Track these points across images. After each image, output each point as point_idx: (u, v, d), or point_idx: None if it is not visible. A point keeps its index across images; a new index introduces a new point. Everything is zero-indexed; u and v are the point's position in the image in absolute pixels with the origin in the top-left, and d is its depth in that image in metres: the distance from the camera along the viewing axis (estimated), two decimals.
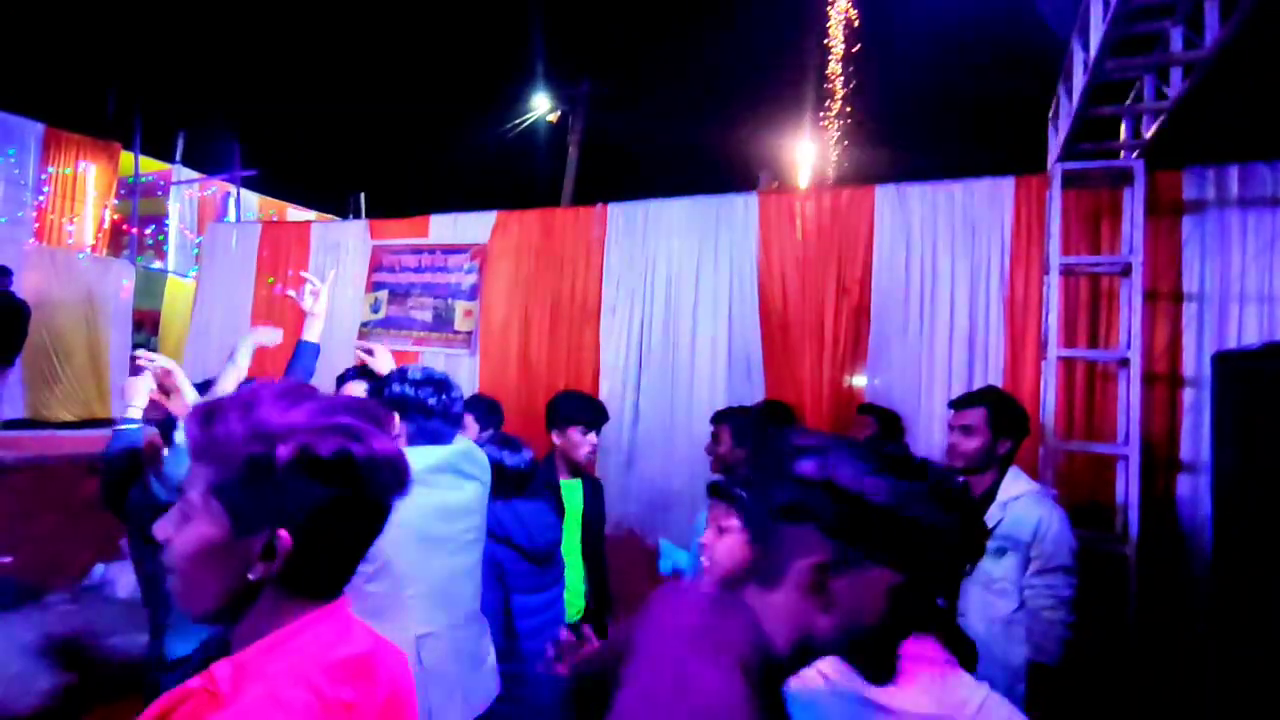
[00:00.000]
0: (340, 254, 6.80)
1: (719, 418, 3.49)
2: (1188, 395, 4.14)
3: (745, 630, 0.97)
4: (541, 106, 12.44)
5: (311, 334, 3.04)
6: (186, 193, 11.15)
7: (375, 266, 6.58)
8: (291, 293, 3.12)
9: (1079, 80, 3.74)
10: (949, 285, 4.78)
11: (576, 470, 3.49)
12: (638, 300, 5.66)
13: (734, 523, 1.90)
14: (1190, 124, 3.93)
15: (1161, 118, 3.83)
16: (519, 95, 12.41)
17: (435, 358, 6.20)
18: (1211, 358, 3.64)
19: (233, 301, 7.30)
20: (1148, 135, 3.98)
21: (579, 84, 11.87)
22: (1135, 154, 4.14)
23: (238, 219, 8.17)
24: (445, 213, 6.55)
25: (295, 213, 10.04)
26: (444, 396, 2.33)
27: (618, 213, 5.86)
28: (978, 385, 4.51)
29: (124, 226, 10.98)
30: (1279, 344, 3.39)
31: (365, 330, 6.46)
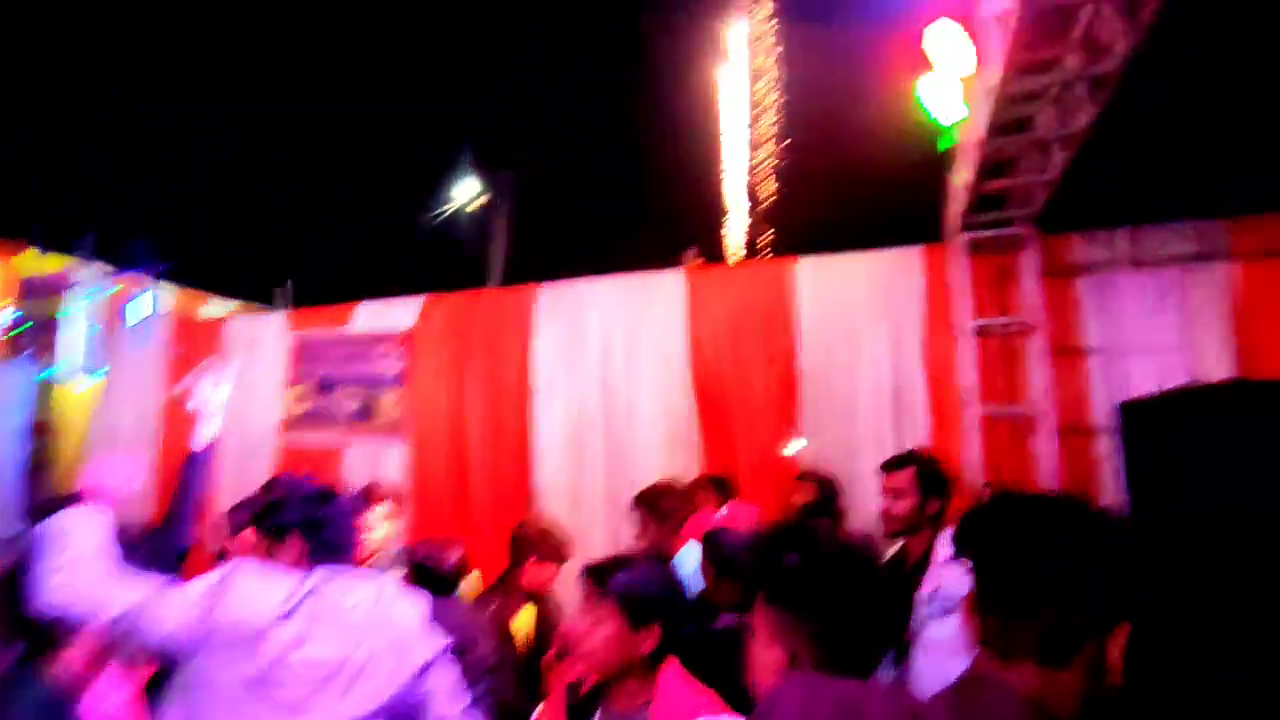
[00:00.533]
0: (259, 348, 6.55)
1: (648, 497, 3.42)
2: (1099, 446, 4.32)
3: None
4: (471, 190, 12.60)
5: (202, 439, 2.69)
6: (92, 290, 10.61)
7: (298, 359, 6.36)
8: (182, 387, 2.75)
9: (971, 157, 4.02)
10: (870, 350, 4.93)
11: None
12: (572, 380, 5.61)
13: (609, 611, 1.82)
14: (1074, 192, 4.25)
15: (1046, 188, 4.13)
16: (448, 179, 12.55)
17: (362, 451, 5.96)
18: (1116, 408, 3.83)
19: (139, 406, 6.88)
20: (1037, 205, 4.28)
21: (507, 167, 12.13)
22: (1027, 222, 4.44)
23: (149, 316, 7.82)
24: (370, 300, 6.44)
25: (215, 305, 9.70)
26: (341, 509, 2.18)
27: (548, 293, 5.88)
28: (906, 446, 4.61)
29: (21, 328, 10.34)
30: (1174, 392, 3.60)
31: (285, 428, 6.19)
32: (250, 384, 6.40)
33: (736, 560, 2.65)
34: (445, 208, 12.66)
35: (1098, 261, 4.52)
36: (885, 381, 4.85)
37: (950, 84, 3.84)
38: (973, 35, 3.49)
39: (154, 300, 9.64)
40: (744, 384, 5.19)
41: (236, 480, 5.25)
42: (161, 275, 10.38)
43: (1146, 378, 4.31)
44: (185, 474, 2.67)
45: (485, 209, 12.57)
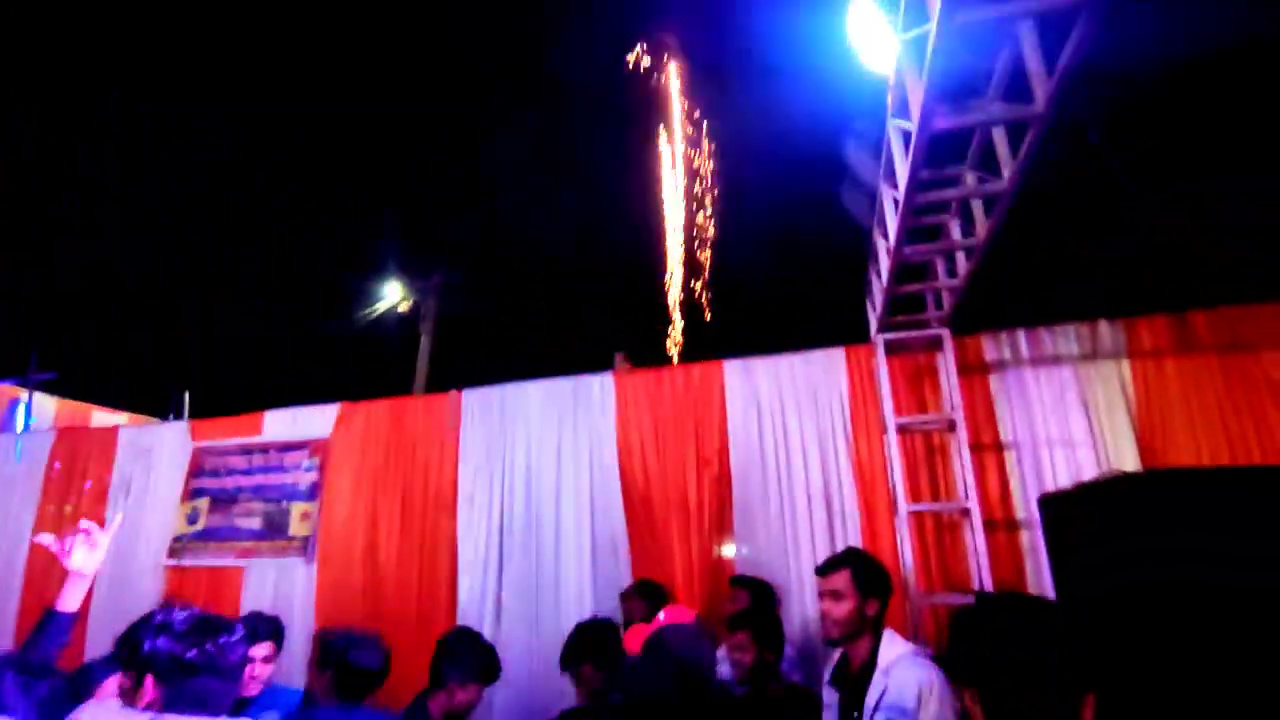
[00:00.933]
0: (154, 460, 6.04)
1: (576, 653, 3.22)
2: (1025, 538, 4.41)
3: None
4: (392, 296, 12.43)
5: (70, 601, 2.40)
6: None
7: (195, 471, 5.89)
8: (48, 540, 2.42)
9: (884, 264, 4.24)
10: (800, 450, 4.97)
11: None
12: (496, 488, 5.40)
13: None
14: (982, 295, 4.52)
15: (955, 292, 4.38)
16: (368, 285, 12.38)
17: (265, 570, 5.47)
18: (1037, 501, 3.95)
19: (10, 528, 6.16)
20: (948, 308, 4.52)
21: (431, 273, 12.08)
22: (941, 323, 4.68)
23: (26, 429, 7.14)
24: (282, 408, 6.10)
25: (102, 417, 8.99)
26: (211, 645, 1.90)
27: (472, 399, 5.73)
28: (839, 545, 4.58)
29: None
30: (1088, 484, 3.74)
31: (178, 546, 5.64)
32: (142, 498, 5.87)
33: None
34: (367, 312, 12.42)
35: (1005, 360, 4.77)
36: (815, 481, 4.86)
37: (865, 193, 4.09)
38: (886, 148, 3.76)
39: (30, 411, 8.88)
40: (675, 487, 5.10)
41: (119, 606, 4.70)
42: (44, 385, 9.63)
43: (1059, 471, 4.49)
44: (42, 628, 2.33)
45: (409, 313, 12.41)
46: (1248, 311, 4.31)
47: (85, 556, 2.41)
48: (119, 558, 5.52)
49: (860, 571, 2.89)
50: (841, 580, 2.87)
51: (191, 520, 5.71)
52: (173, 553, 5.63)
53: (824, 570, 2.95)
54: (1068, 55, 2.62)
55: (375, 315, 12.36)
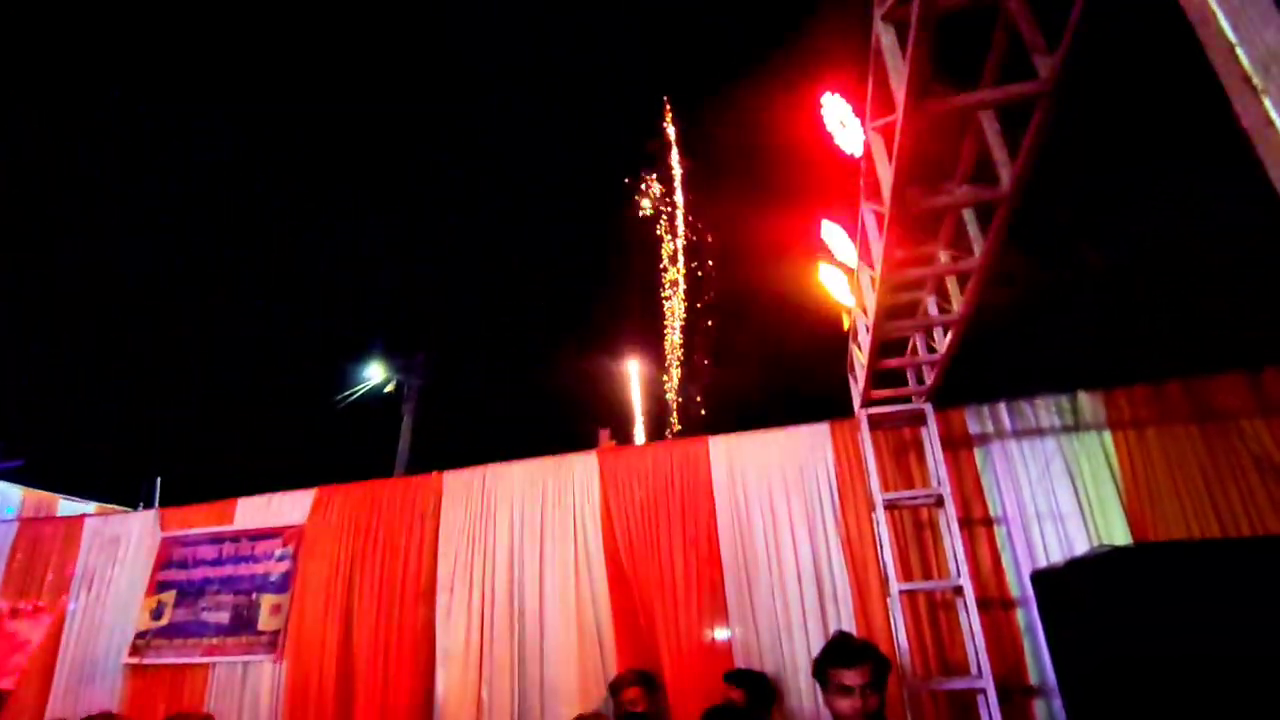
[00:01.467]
0: (120, 552, 5.81)
1: None
2: (1021, 616, 4.31)
3: None
4: (375, 377, 12.36)
5: None
6: None
7: (163, 563, 5.66)
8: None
9: (865, 341, 4.29)
10: (789, 528, 4.88)
11: None
12: (477, 574, 5.22)
13: None
14: (962, 369, 4.56)
15: (936, 367, 4.42)
16: (351, 366, 12.31)
17: (232, 668, 5.19)
18: (1030, 577, 3.89)
19: None
20: (929, 382, 4.55)
21: (414, 353, 12.05)
22: (923, 398, 4.70)
23: None
24: (256, 495, 5.93)
25: (70, 505, 8.69)
26: None
27: (453, 480, 5.62)
28: (831, 628, 4.45)
29: None
30: (1080, 559, 3.70)
31: (141, 643, 5.35)
32: (105, 592, 5.61)
33: None
34: (349, 393, 12.32)
35: (988, 433, 4.78)
36: (805, 561, 4.76)
37: (844, 272, 4.18)
38: (860, 229, 3.86)
39: None
40: (662, 571, 4.96)
41: (78, 706, 4.43)
42: (10, 474, 9.34)
43: (1050, 545, 4.44)
44: None
45: (390, 396, 12.31)
46: (1223, 381, 4.38)
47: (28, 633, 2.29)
48: (78, 655, 5.23)
49: (879, 664, 2.81)
50: (867, 673, 2.77)
51: (156, 615, 5.44)
52: (135, 650, 5.34)
53: (850, 661, 2.82)
54: (1029, 140, 2.73)
55: (357, 396, 12.25)
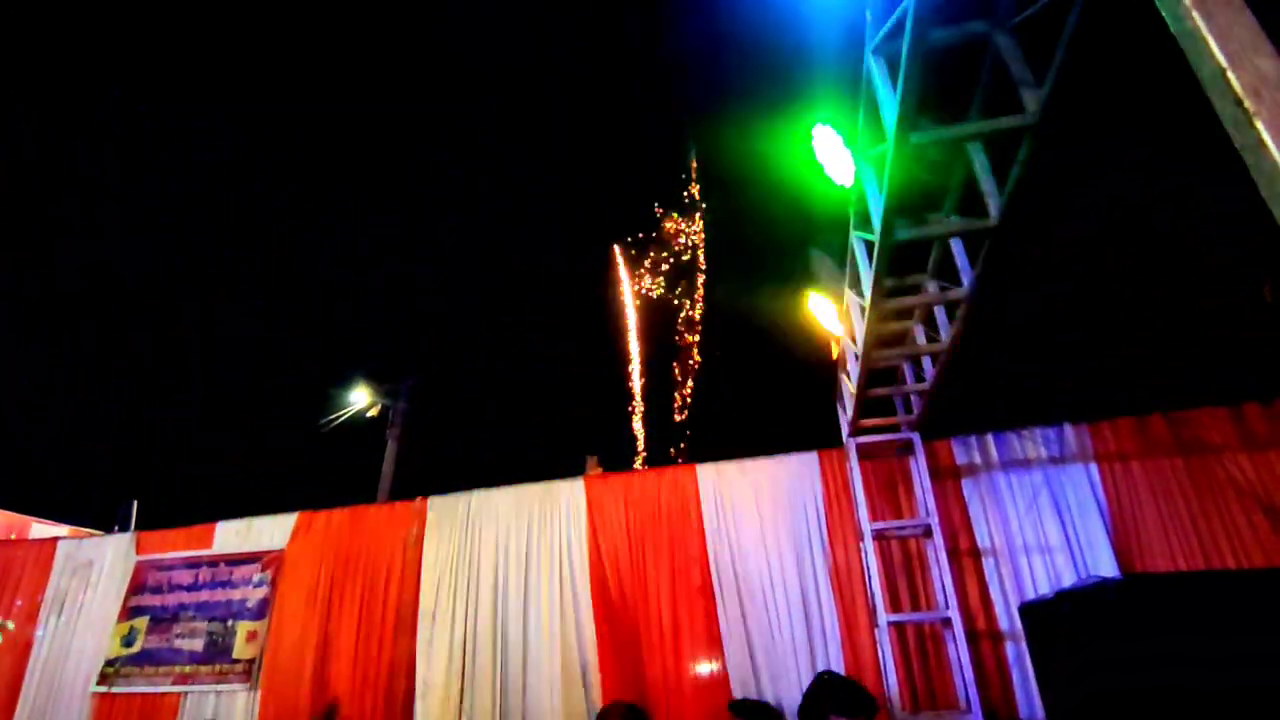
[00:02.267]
0: (93, 575, 5.66)
1: None
2: (1009, 649, 4.27)
3: None
4: (361, 400, 12.22)
5: None
6: None
7: (136, 587, 5.51)
8: None
9: (854, 369, 4.30)
10: (778, 557, 4.84)
11: None
12: (460, 603, 5.11)
13: None
14: (950, 399, 4.58)
15: (924, 396, 4.44)
16: (335, 390, 12.18)
17: (204, 697, 5.03)
18: (1019, 609, 3.88)
19: None
20: (917, 411, 4.57)
21: (401, 377, 11.93)
22: (911, 427, 4.70)
23: None
24: (235, 519, 5.81)
25: (42, 529, 8.49)
26: None
27: (439, 505, 5.53)
28: (819, 663, 4.40)
29: None
30: (1069, 591, 3.71)
31: (110, 670, 5.19)
32: (75, 618, 5.46)
33: None
34: (334, 417, 12.17)
35: (976, 464, 4.78)
36: (794, 591, 4.71)
37: (833, 300, 4.21)
38: (850, 257, 3.90)
39: None
40: (650, 602, 4.89)
41: None
42: None
43: (1037, 577, 4.42)
44: None
45: (377, 417, 12.18)
46: (1205, 414, 4.42)
47: None
48: (44, 683, 5.06)
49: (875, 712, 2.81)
50: None
51: (127, 642, 5.29)
52: (104, 678, 5.17)
53: (858, 711, 2.82)
54: (1015, 174, 2.78)
55: (342, 420, 12.11)
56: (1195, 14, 1.07)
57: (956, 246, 3.53)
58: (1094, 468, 4.49)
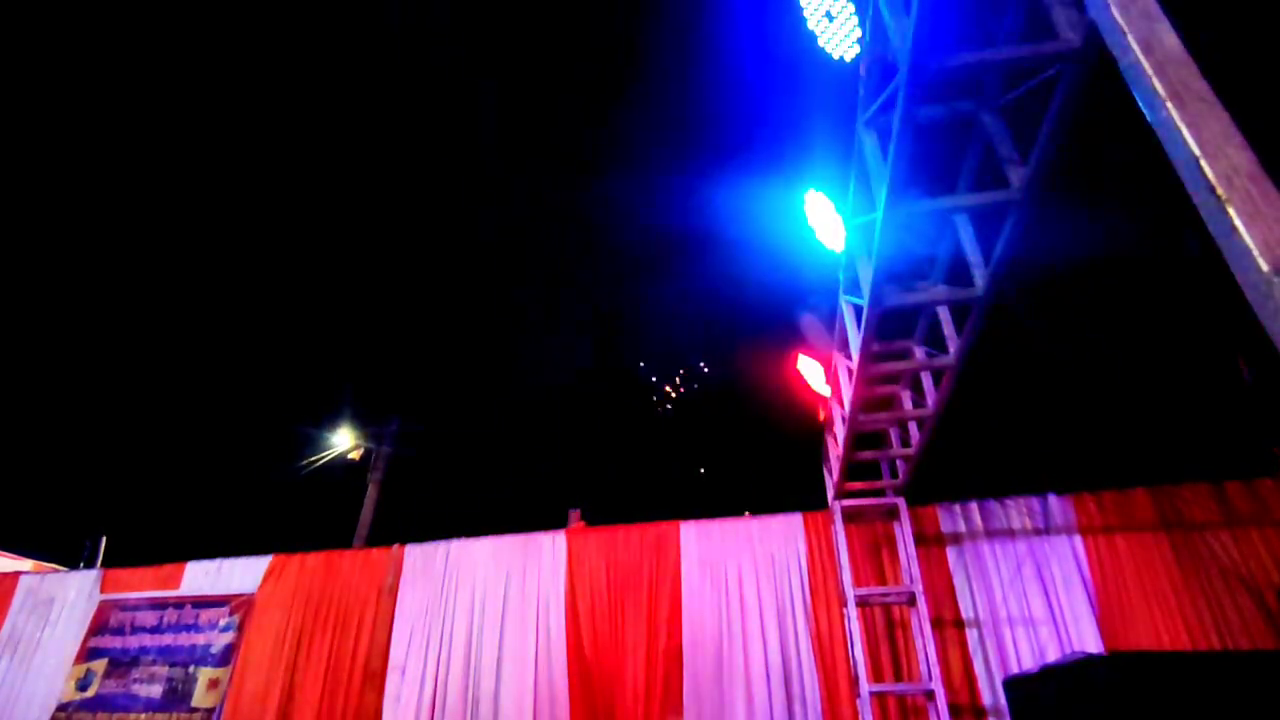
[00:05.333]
0: (54, 611, 5.46)
1: None
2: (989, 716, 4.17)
3: None
4: (343, 443, 12.07)
5: None
6: None
7: (98, 627, 5.32)
8: None
9: (841, 431, 4.32)
10: (759, 621, 4.74)
11: None
12: (432, 657, 4.96)
13: None
14: (935, 465, 4.59)
15: (910, 461, 4.44)
16: (318, 431, 12.03)
17: None
18: (1003, 684, 3.80)
19: None
20: (903, 476, 4.56)
21: (387, 421, 11.82)
22: (897, 492, 4.69)
23: None
24: (206, 559, 5.67)
25: (3, 562, 8.22)
26: None
27: (415, 554, 5.42)
28: None
29: None
30: (1053, 666, 3.65)
31: (61, 716, 4.96)
32: (30, 657, 5.25)
33: None
34: (315, 459, 12.00)
35: (961, 532, 4.76)
36: (774, 658, 4.60)
37: (820, 364, 4.24)
38: (839, 322, 3.95)
39: None
40: (624, 662, 4.76)
41: None
42: None
43: (1021, 650, 4.35)
44: None
45: (359, 461, 12.01)
46: (1188, 491, 4.44)
47: None
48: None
49: None
50: None
51: (83, 685, 5.07)
52: None
53: None
54: (1001, 246, 2.86)
55: (322, 462, 11.94)
56: (1170, 105, 1.13)
57: (944, 314, 3.60)
58: (1078, 540, 4.47)
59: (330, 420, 11.98)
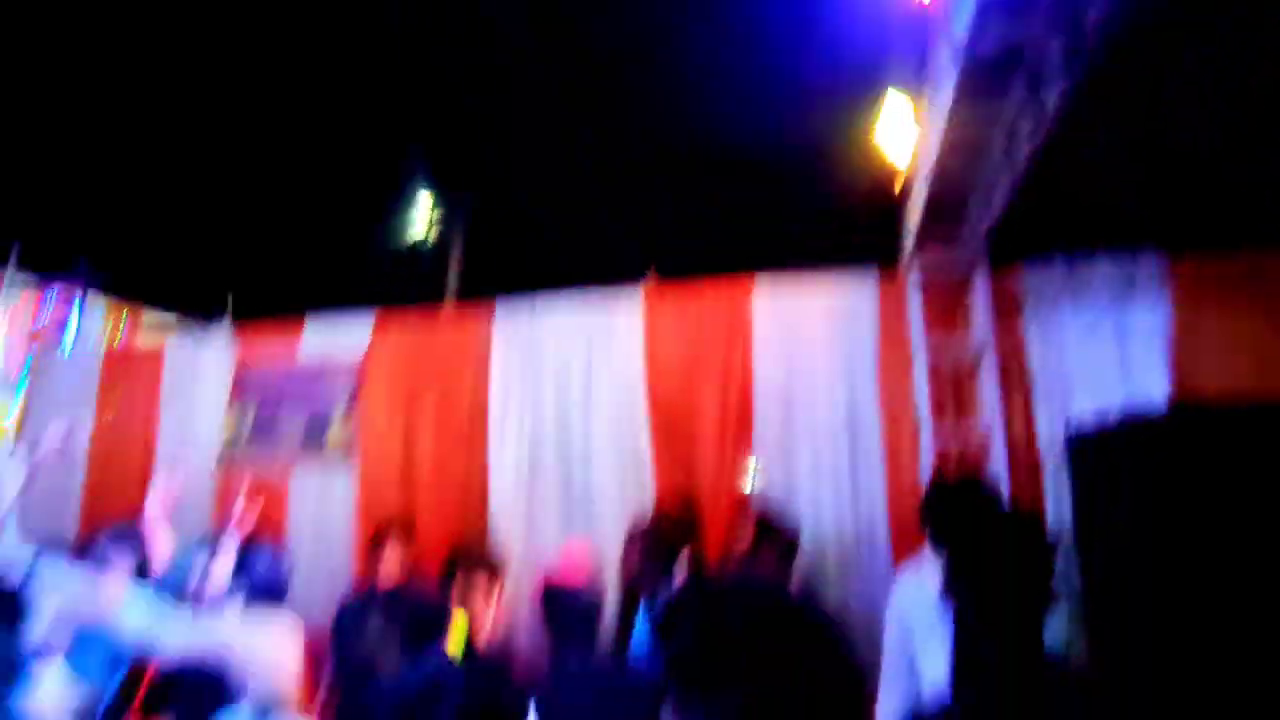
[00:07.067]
0: (198, 374, 6.26)
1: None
2: (1045, 477, 4.36)
3: None
4: (427, 204, 12.35)
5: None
6: (11, 310, 9.66)
7: (240, 380, 6.11)
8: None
9: (921, 186, 4.05)
10: (827, 377, 4.91)
11: None
12: (526, 407, 5.47)
13: None
14: (1022, 222, 4.32)
15: (993, 219, 4.19)
16: (404, 192, 12.27)
17: (308, 478, 5.75)
18: (1065, 439, 3.89)
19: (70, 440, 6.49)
20: (983, 235, 4.34)
21: (465, 185, 11.87)
22: (977, 251, 4.50)
23: (75, 341, 7.43)
24: (320, 317, 6.20)
25: (150, 316, 9.28)
26: None
27: (504, 312, 5.72)
28: (860, 478, 4.62)
29: None
30: (1117, 423, 3.61)
31: (228, 454, 5.93)
32: (188, 414, 6.13)
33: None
34: (400, 221, 12.40)
35: (1040, 291, 4.59)
36: (840, 410, 4.83)
37: (905, 114, 3.89)
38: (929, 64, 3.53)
39: (82, 314, 9.20)
40: (699, 409, 5.12)
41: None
42: (94, 287, 9.90)
43: (1088, 406, 4.39)
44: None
45: (442, 223, 12.36)
46: None
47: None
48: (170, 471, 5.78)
49: None
50: None
51: (238, 429, 5.97)
52: (220, 456, 5.92)
53: None
54: None
55: (409, 224, 12.34)
56: None
57: (1052, 52, 3.12)
58: (1167, 300, 4.24)
59: (411, 181, 12.13)
